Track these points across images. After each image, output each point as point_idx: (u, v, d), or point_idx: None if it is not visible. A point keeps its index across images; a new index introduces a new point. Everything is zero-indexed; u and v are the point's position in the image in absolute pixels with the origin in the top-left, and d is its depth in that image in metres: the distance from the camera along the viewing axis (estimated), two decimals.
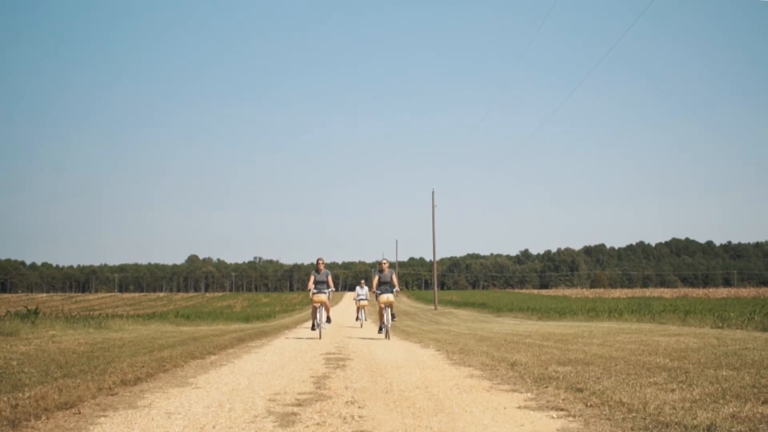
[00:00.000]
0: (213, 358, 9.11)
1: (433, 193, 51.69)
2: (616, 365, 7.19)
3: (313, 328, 15.29)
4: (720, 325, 16.06)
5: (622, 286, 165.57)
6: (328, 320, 15.33)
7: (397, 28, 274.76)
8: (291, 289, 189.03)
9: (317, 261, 15.28)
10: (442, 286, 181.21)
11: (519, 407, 4.88)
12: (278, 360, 8.91)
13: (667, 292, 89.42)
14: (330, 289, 15.06)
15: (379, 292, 14.71)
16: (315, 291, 14.94)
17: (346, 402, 5.14)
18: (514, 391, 5.68)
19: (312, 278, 15.18)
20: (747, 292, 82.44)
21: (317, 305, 14.94)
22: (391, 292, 14.71)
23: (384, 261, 15.11)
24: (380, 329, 15.14)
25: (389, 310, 14.76)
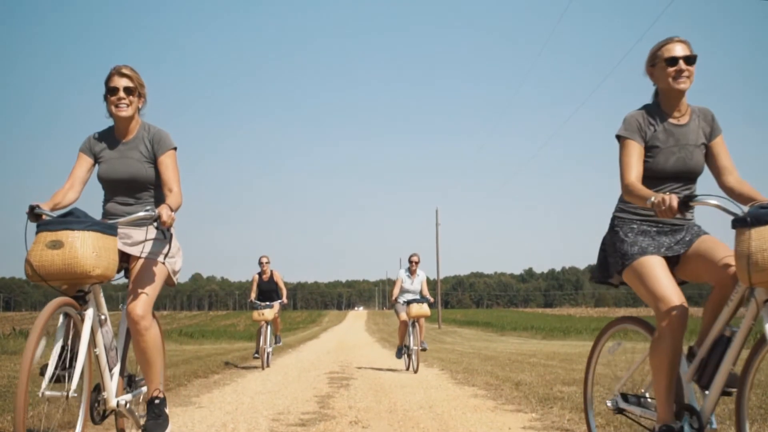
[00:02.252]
0: (216, 377, 9.09)
1: (437, 211, 51.73)
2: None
3: (255, 355, 11.32)
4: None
5: (626, 305, 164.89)
6: (277, 340, 11.57)
7: (407, 53, 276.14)
8: (294, 308, 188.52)
9: (261, 261, 11.28)
10: (446, 304, 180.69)
11: (524, 427, 4.86)
12: (282, 379, 8.88)
13: None
14: (280, 301, 11.15)
15: (404, 300, 10.59)
16: (259, 305, 10.87)
17: (350, 422, 5.12)
18: (519, 411, 5.65)
19: (254, 286, 11.30)
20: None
21: (263, 324, 10.76)
22: (425, 301, 10.34)
23: (415, 256, 10.84)
24: (399, 353, 10.71)
25: (418, 327, 10.27)
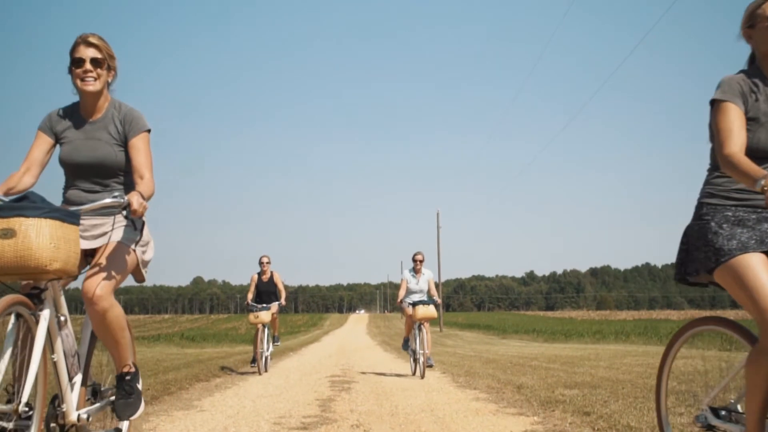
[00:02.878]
0: (218, 380, 9.08)
1: (438, 214, 51.71)
2: (623, 388, 7.14)
3: (253, 363, 10.61)
4: (728, 347, 15.95)
5: (628, 308, 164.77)
6: (275, 340, 11.25)
7: (409, 55, 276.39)
8: (296, 311, 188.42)
9: (261, 260, 10.96)
10: (448, 307, 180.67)
11: (526, 431, 4.85)
12: (283, 382, 8.88)
13: (674, 314, 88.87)
14: (278, 302, 10.85)
15: (409, 302, 10.13)
16: (255, 307, 10.50)
17: (352, 425, 5.11)
18: (521, 414, 5.64)
19: (253, 287, 10.95)
20: None
21: (260, 327, 10.35)
22: (432, 303, 9.89)
23: (419, 255, 10.44)
24: (406, 344, 10.50)
25: (425, 331, 9.88)
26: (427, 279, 10.37)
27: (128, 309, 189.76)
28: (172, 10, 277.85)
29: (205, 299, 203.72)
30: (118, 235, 3.19)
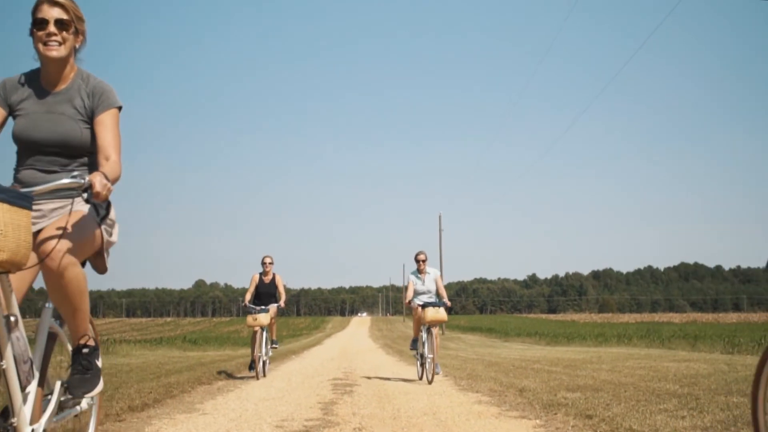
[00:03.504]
0: (220, 383, 9.08)
1: (440, 217, 51.70)
2: (625, 391, 7.13)
3: (251, 368, 10.26)
4: (730, 350, 15.93)
5: (630, 311, 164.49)
6: (273, 343, 10.85)
7: (412, 59, 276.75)
8: (298, 314, 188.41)
9: (264, 261, 10.51)
10: (450, 310, 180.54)
11: None
12: (285, 385, 8.88)
13: (676, 317, 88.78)
14: (277, 304, 10.44)
15: (419, 303, 9.59)
16: (254, 309, 10.04)
17: (354, 428, 5.11)
18: (523, 417, 5.64)
19: (253, 287, 10.46)
20: (757, 317, 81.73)
21: (257, 330, 10.00)
22: (441, 305, 9.38)
23: (422, 254, 9.90)
24: (414, 344, 10.08)
25: (434, 335, 9.34)
26: (433, 278, 9.88)
27: (130, 312, 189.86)
28: (173, 9, 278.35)
29: (207, 302, 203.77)
30: (81, 207, 2.80)
